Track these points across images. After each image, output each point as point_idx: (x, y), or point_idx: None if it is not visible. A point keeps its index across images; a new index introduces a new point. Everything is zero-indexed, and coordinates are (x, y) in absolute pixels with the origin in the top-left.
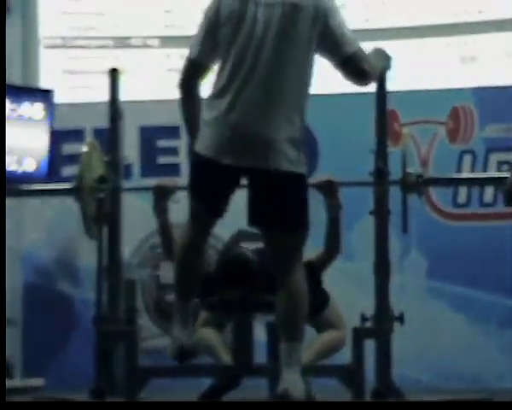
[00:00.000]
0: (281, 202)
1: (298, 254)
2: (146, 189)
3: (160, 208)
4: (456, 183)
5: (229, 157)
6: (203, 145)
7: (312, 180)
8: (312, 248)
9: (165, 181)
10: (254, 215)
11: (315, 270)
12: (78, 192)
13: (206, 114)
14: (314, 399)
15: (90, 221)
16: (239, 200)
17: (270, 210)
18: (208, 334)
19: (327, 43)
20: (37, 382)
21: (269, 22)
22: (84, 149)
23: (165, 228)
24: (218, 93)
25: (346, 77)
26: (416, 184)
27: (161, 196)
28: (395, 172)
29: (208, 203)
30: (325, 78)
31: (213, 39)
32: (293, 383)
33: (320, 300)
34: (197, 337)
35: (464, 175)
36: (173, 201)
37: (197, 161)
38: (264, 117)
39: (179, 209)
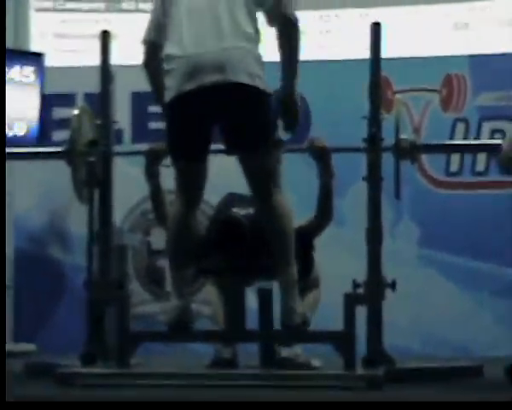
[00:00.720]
0: (245, 118)
1: (271, 176)
2: (137, 153)
3: (152, 172)
4: (449, 149)
5: (192, 82)
6: (168, 94)
7: (306, 143)
8: (304, 215)
9: (157, 145)
10: (226, 140)
11: (305, 236)
12: (68, 156)
13: (166, 67)
14: (310, 364)
15: (80, 186)
16: (226, 165)
17: (237, 128)
18: (211, 294)
19: None
20: (28, 347)
21: None
22: (75, 112)
23: (156, 192)
24: (174, 40)
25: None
26: (409, 151)
27: (153, 160)
28: (388, 139)
29: (188, 143)
30: (315, 44)
31: (166, 18)
32: (291, 310)
33: (309, 264)
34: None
35: (457, 142)
36: (165, 165)
37: (167, 110)
38: (216, 38)
39: (171, 175)
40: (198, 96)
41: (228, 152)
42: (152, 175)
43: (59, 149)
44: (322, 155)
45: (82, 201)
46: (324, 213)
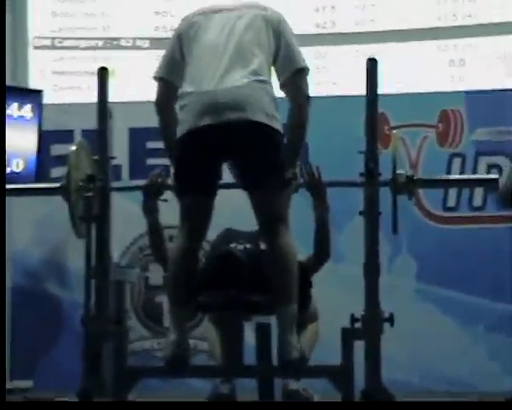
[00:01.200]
0: (259, 156)
1: (280, 213)
2: (135, 188)
3: (150, 208)
4: (446, 184)
5: (207, 118)
6: (181, 128)
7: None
8: (302, 252)
9: (156, 179)
10: (238, 177)
11: (304, 271)
12: (65, 192)
13: (180, 103)
14: (312, 400)
15: (78, 221)
16: (224, 201)
17: (250, 165)
18: (208, 330)
19: (280, 52)
20: (25, 384)
21: (230, 29)
22: (73, 148)
23: (154, 228)
24: (190, 79)
25: (291, 91)
26: (406, 185)
27: (151, 195)
28: (385, 174)
29: (197, 177)
30: (315, 80)
31: (182, 59)
32: (289, 345)
33: (306, 300)
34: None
35: (454, 177)
36: (163, 200)
37: (178, 145)
38: (233, 76)
39: (169, 210)
40: (213, 131)
41: (238, 187)
42: (150, 210)
43: (56, 184)
44: (317, 189)
45: (79, 236)
46: (322, 249)
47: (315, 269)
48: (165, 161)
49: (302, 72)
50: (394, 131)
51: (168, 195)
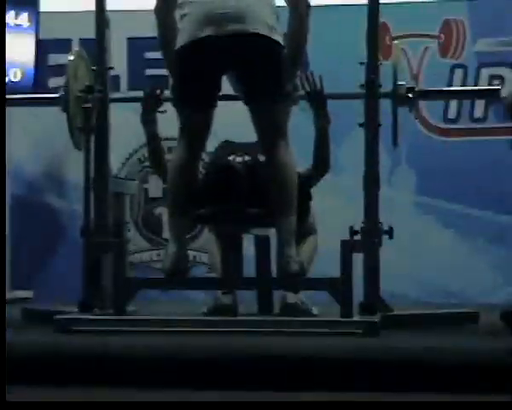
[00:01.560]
0: (260, 68)
1: (279, 126)
2: (133, 99)
3: (149, 119)
4: (447, 96)
5: (208, 29)
6: (181, 38)
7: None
8: (301, 163)
9: (154, 90)
10: (239, 88)
11: (303, 184)
12: (64, 102)
13: (180, 11)
14: (311, 312)
15: (76, 132)
16: (223, 113)
17: (251, 77)
18: (209, 242)
19: None
20: (25, 294)
21: None
22: (71, 58)
23: (153, 139)
24: None
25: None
26: (407, 97)
27: (150, 107)
28: (386, 85)
29: (200, 89)
30: None
31: None
32: (288, 258)
33: (305, 212)
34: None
35: (455, 88)
36: (161, 111)
37: (178, 55)
38: None
39: (167, 121)
40: (214, 43)
41: (239, 99)
42: (149, 122)
43: (55, 95)
44: (318, 101)
45: (78, 147)
46: (321, 161)
47: (314, 181)
48: (164, 72)
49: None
50: (396, 42)
51: (167, 106)
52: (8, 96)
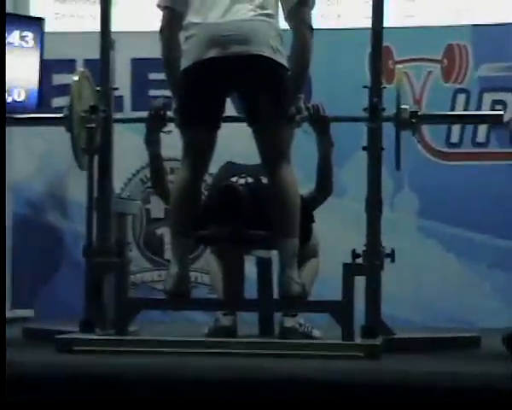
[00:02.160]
0: (264, 90)
1: (282, 147)
2: (137, 120)
3: (152, 140)
4: (450, 120)
5: (213, 50)
6: (186, 60)
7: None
8: (302, 184)
9: (158, 110)
10: (242, 110)
11: (306, 206)
12: (68, 122)
13: (185, 33)
14: (312, 335)
15: (80, 152)
16: (225, 135)
17: (254, 99)
18: (210, 263)
19: None
20: (26, 313)
21: None
22: (75, 78)
23: (155, 159)
24: (195, 10)
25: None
26: (409, 121)
27: (153, 127)
28: (389, 109)
29: (203, 110)
30: (317, 13)
31: None
32: (290, 279)
33: (307, 234)
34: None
35: (458, 113)
36: (166, 132)
37: (183, 77)
38: (239, 8)
39: (170, 142)
40: (218, 64)
41: (242, 121)
42: (152, 142)
43: (59, 115)
44: (321, 124)
45: (82, 167)
46: (324, 184)
47: (316, 204)
48: (168, 93)
49: (305, 3)
50: (399, 66)
51: (171, 127)
52: (12, 116)
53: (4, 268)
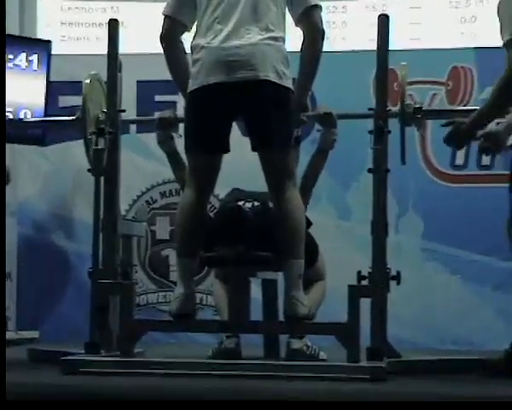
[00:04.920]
0: (270, 115)
1: (288, 171)
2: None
3: (165, 138)
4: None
5: (219, 75)
6: (193, 82)
7: (312, 112)
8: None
9: (167, 112)
10: (248, 134)
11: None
12: (81, 123)
13: (193, 56)
14: (318, 356)
15: (92, 153)
16: (232, 161)
17: (260, 124)
18: (215, 285)
19: None
20: (31, 334)
21: None
22: (87, 80)
23: (172, 156)
24: (203, 32)
25: (306, 25)
26: (414, 116)
27: (165, 127)
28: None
29: (209, 134)
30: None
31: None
32: (296, 301)
33: (313, 254)
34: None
35: (461, 108)
36: (175, 134)
37: (190, 99)
38: (245, 32)
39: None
40: (225, 89)
41: (253, 145)
42: (165, 140)
43: (71, 117)
44: (328, 119)
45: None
46: (307, 185)
47: None
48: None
49: (315, 8)
50: (402, 63)
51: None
52: (26, 119)
53: (4, 275)
